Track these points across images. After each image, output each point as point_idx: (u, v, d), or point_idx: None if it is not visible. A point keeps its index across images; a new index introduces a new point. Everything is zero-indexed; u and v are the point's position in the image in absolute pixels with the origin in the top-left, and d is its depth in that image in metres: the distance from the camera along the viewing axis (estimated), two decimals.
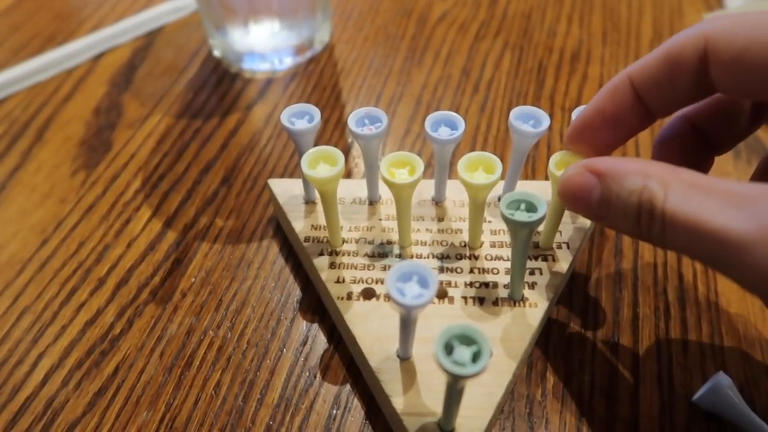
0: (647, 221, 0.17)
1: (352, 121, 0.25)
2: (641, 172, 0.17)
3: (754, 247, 0.15)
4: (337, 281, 0.26)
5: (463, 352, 0.18)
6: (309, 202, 0.29)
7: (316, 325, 0.28)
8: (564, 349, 0.26)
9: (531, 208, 0.22)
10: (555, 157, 0.23)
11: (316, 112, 0.26)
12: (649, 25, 0.42)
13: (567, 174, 0.20)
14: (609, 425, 0.24)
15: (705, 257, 0.16)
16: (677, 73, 0.19)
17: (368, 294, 0.26)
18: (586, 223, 0.28)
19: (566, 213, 0.28)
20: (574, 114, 0.25)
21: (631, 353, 0.26)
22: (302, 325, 0.28)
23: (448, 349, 0.18)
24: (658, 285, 0.28)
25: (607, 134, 0.21)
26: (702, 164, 0.23)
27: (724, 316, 0.27)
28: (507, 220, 0.22)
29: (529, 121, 0.25)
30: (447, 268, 0.26)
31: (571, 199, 0.20)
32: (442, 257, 0.27)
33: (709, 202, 0.16)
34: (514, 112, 0.25)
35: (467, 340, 0.18)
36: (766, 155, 0.23)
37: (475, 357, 0.18)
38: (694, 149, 0.22)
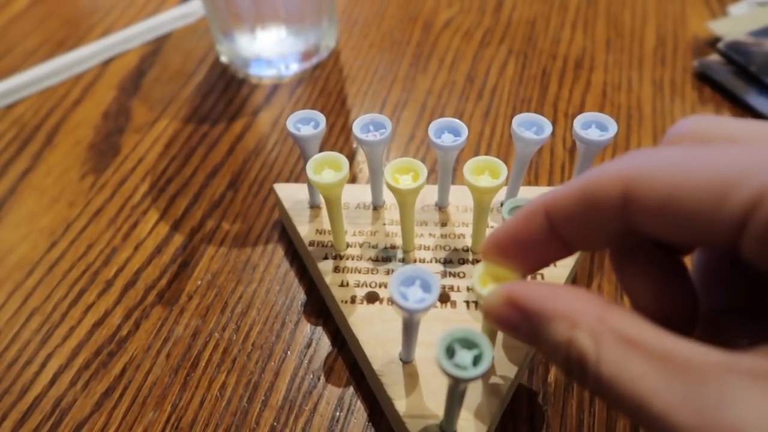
0: (579, 375, 0.15)
1: (356, 128, 0.26)
2: (568, 319, 0.16)
3: None
4: (341, 285, 0.26)
5: (465, 356, 0.18)
6: (314, 206, 0.30)
7: (320, 328, 0.28)
8: None
9: None
10: (478, 269, 0.19)
11: (322, 119, 0.26)
12: (653, 33, 0.42)
13: (489, 302, 0.17)
14: (610, 429, 0.24)
15: (643, 427, 0.15)
16: (595, 214, 0.16)
17: (372, 298, 0.26)
18: None
19: None
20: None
21: None
22: (306, 328, 0.28)
23: (450, 352, 0.18)
24: None
25: (522, 259, 0.18)
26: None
27: None
28: None
29: (531, 128, 0.26)
30: (450, 273, 0.27)
31: (499, 328, 0.18)
32: (445, 262, 0.27)
33: (649, 372, 0.14)
34: (517, 118, 0.26)
35: (469, 343, 0.18)
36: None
37: (477, 360, 0.18)
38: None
